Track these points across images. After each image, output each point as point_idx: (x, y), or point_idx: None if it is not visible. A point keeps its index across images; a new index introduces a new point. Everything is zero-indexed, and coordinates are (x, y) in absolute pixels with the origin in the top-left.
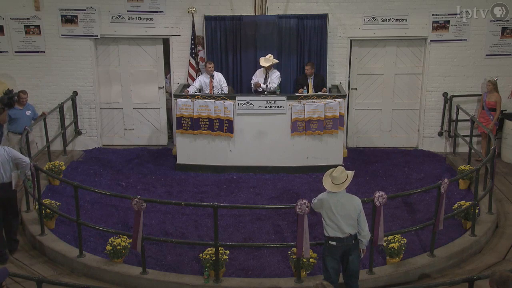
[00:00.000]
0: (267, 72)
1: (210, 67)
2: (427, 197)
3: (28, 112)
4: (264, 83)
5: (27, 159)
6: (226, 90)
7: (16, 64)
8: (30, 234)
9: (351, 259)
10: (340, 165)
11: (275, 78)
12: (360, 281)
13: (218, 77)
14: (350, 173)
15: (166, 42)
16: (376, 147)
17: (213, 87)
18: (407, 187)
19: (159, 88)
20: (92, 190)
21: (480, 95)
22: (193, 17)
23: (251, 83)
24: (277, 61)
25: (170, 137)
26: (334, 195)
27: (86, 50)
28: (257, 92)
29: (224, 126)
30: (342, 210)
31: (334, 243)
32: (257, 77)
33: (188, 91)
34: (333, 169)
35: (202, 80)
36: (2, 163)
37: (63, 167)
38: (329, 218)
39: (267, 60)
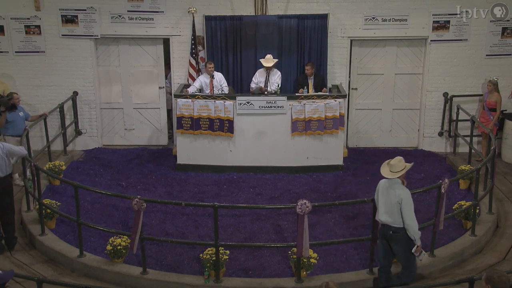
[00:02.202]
0: (268, 73)
1: (210, 68)
2: (427, 197)
3: (21, 113)
4: (265, 84)
5: (22, 150)
6: (226, 90)
7: (16, 64)
8: (30, 234)
9: (394, 249)
10: (341, 165)
11: (277, 78)
12: (360, 281)
13: (218, 77)
14: (409, 165)
15: (166, 42)
16: (376, 147)
17: (213, 87)
18: (407, 187)
19: (159, 88)
20: (92, 190)
21: (481, 95)
22: (193, 17)
23: (251, 86)
24: (276, 59)
25: (171, 137)
26: (387, 181)
27: (87, 50)
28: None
29: (224, 126)
30: (385, 196)
31: (379, 225)
32: (258, 78)
33: (188, 91)
34: (391, 159)
35: (202, 80)
36: None
37: (63, 167)
38: (376, 201)
39: (267, 61)
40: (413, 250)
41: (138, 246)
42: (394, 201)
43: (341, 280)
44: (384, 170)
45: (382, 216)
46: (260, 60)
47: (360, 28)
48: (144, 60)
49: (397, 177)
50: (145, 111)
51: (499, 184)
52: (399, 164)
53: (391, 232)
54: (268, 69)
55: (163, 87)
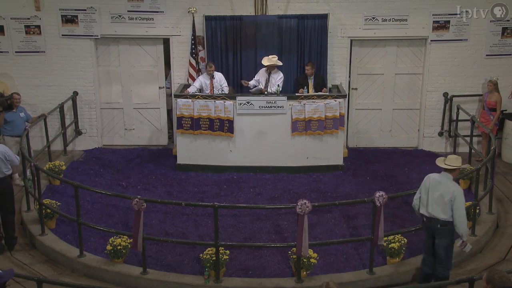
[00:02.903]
0: (270, 73)
1: (210, 70)
2: None
3: (22, 114)
4: (265, 84)
5: (17, 160)
6: (226, 90)
7: (16, 64)
8: (30, 234)
9: (436, 242)
10: (341, 165)
11: (278, 79)
12: (360, 281)
13: (219, 77)
14: (465, 166)
15: (166, 42)
16: (376, 147)
17: (213, 87)
18: (407, 187)
19: (159, 88)
20: (92, 190)
21: (481, 95)
22: (193, 17)
23: (250, 83)
24: (280, 63)
25: (170, 137)
26: (439, 176)
27: (87, 50)
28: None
29: (224, 126)
30: (436, 190)
31: (424, 218)
32: (260, 77)
33: (188, 91)
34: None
35: (202, 80)
36: None
37: (64, 167)
38: (423, 194)
39: (269, 60)
40: (458, 244)
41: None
42: (447, 197)
43: (341, 280)
44: (440, 162)
45: (433, 210)
46: (264, 57)
47: (360, 28)
48: (144, 60)
49: (451, 174)
50: (145, 111)
51: (499, 184)
52: (456, 160)
53: (439, 225)
54: (270, 69)
55: (163, 87)
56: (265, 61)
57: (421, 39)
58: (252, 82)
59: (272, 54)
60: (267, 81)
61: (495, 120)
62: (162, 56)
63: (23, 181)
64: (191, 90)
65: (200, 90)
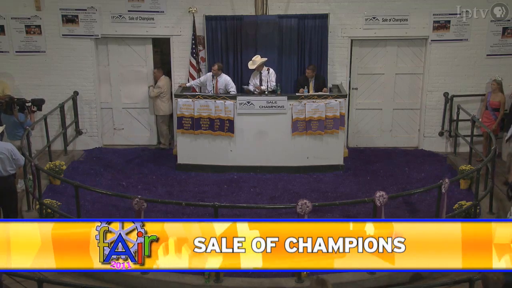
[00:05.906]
0: (261, 73)
1: (213, 69)
2: (427, 197)
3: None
4: (261, 84)
5: (22, 161)
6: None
7: (17, 64)
8: None
9: None
10: (341, 165)
11: (272, 78)
12: (360, 281)
13: (226, 80)
14: None
15: (166, 43)
16: (376, 147)
17: (214, 88)
18: (407, 187)
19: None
20: (92, 190)
21: (482, 95)
22: (193, 17)
23: (247, 87)
24: (264, 59)
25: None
26: None
27: (87, 50)
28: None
29: (224, 126)
30: None
31: None
32: (252, 80)
33: (190, 83)
34: None
35: (208, 78)
36: (3, 160)
37: (64, 167)
38: None
39: (254, 62)
40: None
41: None
42: None
43: (341, 280)
44: None
45: None
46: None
47: (361, 28)
48: (144, 60)
49: None
50: (144, 110)
51: (499, 184)
52: None
53: None
54: (259, 70)
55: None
56: (250, 65)
57: (421, 39)
58: (251, 88)
59: (257, 55)
60: (261, 80)
61: (499, 119)
62: (151, 56)
63: (23, 181)
64: (193, 83)
65: (202, 86)
